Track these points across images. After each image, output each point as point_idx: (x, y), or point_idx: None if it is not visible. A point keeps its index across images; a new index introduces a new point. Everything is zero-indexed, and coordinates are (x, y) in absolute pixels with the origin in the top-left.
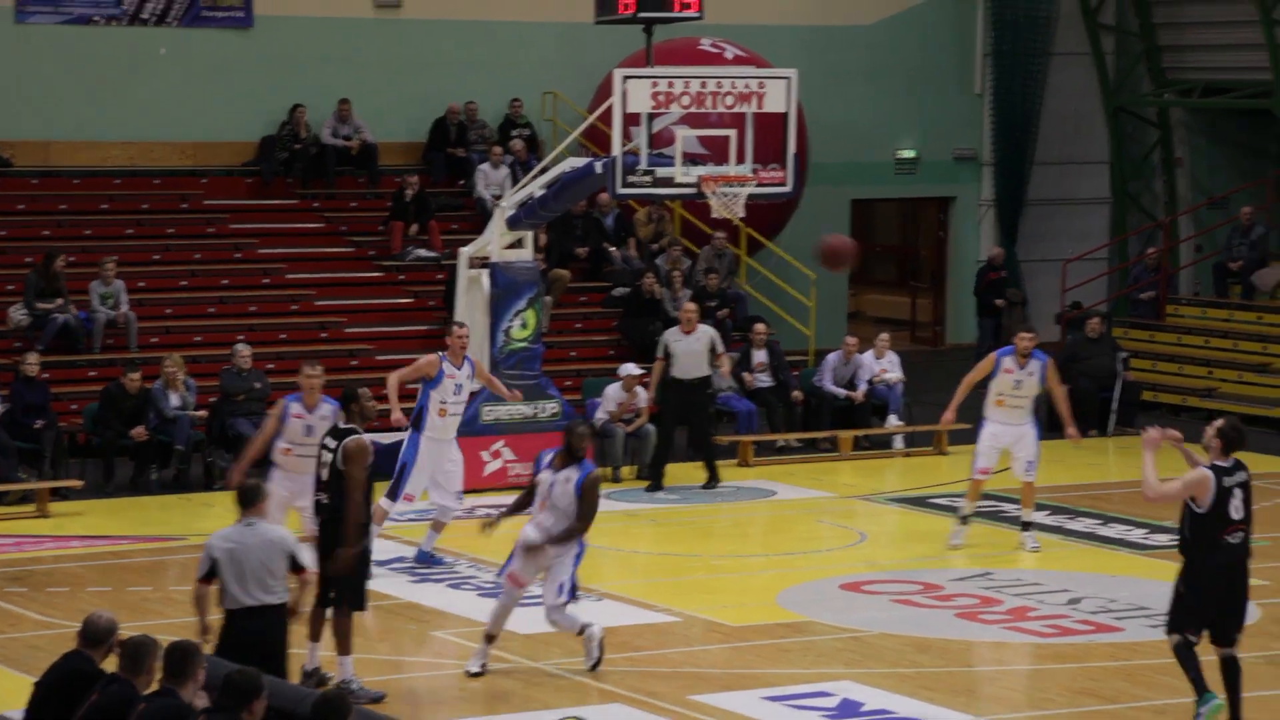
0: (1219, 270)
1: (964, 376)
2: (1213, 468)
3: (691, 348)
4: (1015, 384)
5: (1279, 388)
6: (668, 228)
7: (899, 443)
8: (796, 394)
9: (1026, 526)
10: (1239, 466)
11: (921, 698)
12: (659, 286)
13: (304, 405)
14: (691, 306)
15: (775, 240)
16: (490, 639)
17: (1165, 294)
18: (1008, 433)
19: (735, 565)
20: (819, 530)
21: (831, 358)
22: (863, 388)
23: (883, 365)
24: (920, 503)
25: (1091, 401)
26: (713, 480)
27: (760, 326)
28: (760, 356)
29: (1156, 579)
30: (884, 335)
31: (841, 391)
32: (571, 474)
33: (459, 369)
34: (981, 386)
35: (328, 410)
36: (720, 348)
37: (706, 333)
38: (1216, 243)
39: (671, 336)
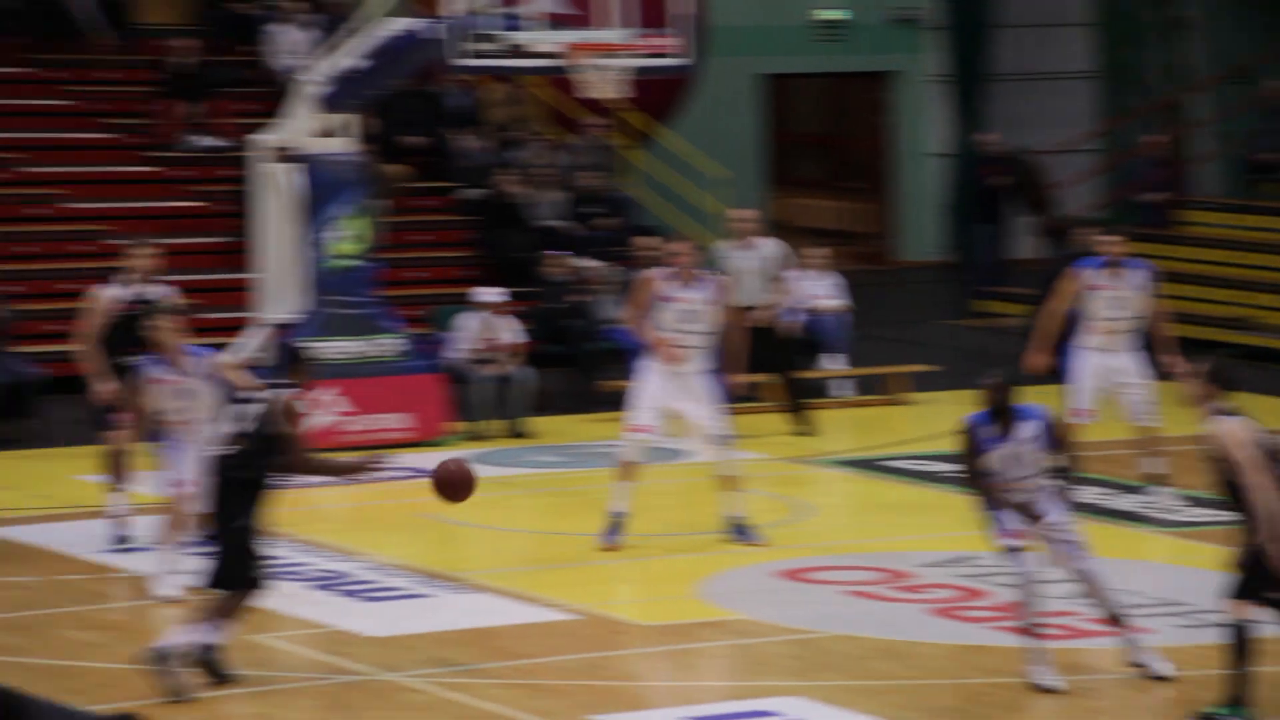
0: (1246, 164)
1: (1043, 311)
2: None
3: (748, 265)
4: (1113, 301)
5: None
6: (529, 110)
7: (843, 389)
8: None
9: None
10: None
11: (891, 718)
12: (519, 187)
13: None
14: (747, 213)
15: (669, 128)
16: None
17: (1177, 196)
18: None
19: (641, 547)
20: (747, 501)
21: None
22: (791, 318)
23: (818, 289)
24: (874, 466)
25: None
26: (802, 427)
27: (649, 241)
28: None
29: (1194, 565)
30: (821, 251)
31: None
32: None
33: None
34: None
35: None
36: (781, 268)
37: (768, 247)
38: (1241, 128)
39: (723, 251)
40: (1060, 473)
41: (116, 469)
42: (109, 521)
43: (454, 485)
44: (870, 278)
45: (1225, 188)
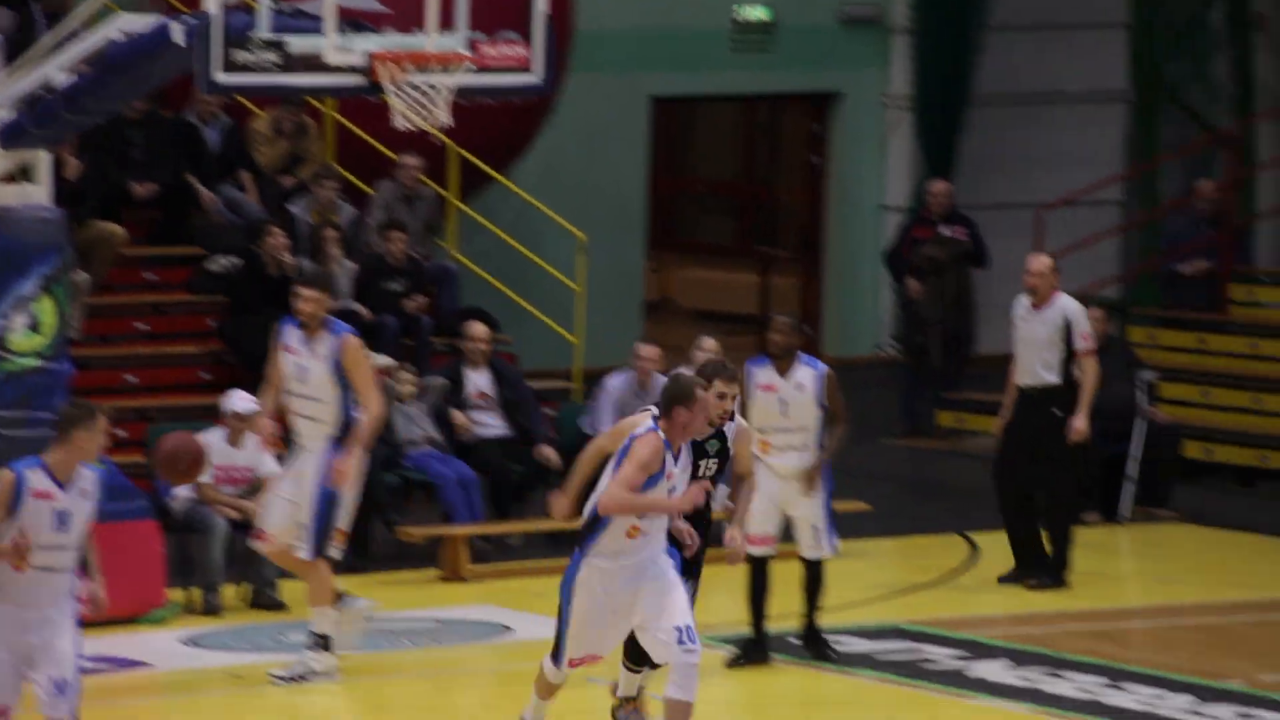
0: None
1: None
2: None
3: (1034, 333)
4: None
5: None
6: (312, 148)
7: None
8: (547, 450)
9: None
10: None
11: None
12: (291, 256)
13: None
14: (1045, 262)
15: (511, 174)
16: None
17: (1229, 266)
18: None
19: None
20: (598, 698)
21: (615, 383)
22: None
23: None
24: (777, 646)
25: (1091, 459)
26: (1056, 572)
27: (480, 330)
28: (480, 382)
29: None
30: (708, 341)
31: None
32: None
33: None
34: None
35: None
36: (1081, 338)
37: (1063, 306)
38: None
39: (1021, 309)
40: None
41: None
42: None
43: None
44: None
45: None
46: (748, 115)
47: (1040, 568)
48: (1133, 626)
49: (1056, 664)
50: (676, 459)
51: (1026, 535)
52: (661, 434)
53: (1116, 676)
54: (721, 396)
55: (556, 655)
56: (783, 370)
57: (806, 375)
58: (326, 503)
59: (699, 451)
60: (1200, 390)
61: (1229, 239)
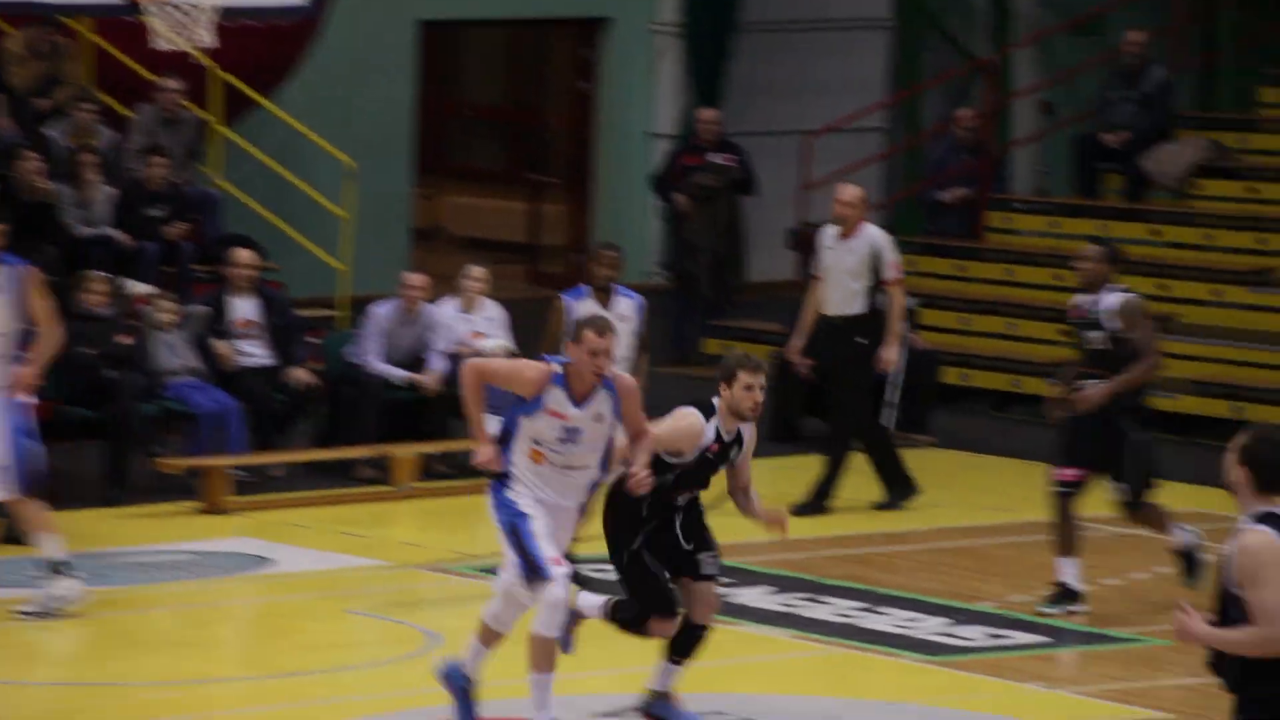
0: (1085, 148)
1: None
2: None
3: (842, 262)
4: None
5: (1216, 362)
6: (68, 69)
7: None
8: (301, 374)
9: None
10: None
11: None
12: (48, 183)
13: None
14: (854, 192)
15: (277, 98)
16: None
17: (987, 193)
18: None
19: (204, 699)
20: (357, 630)
21: (382, 312)
22: (438, 367)
23: (474, 325)
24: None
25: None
26: (898, 493)
27: (245, 255)
28: (245, 310)
29: (964, 707)
30: (477, 271)
31: (400, 373)
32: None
33: None
34: None
35: None
36: (889, 268)
37: (871, 236)
38: (1081, 98)
39: (828, 238)
40: None
41: None
42: None
43: None
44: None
45: (1056, 181)
46: (516, 40)
47: (901, 482)
48: (893, 551)
49: (817, 589)
50: (580, 404)
51: (884, 455)
52: (559, 369)
53: (875, 601)
54: (749, 389)
55: (537, 568)
56: (604, 302)
57: (627, 306)
58: (22, 438)
59: (724, 450)
60: (958, 317)
61: (987, 167)
